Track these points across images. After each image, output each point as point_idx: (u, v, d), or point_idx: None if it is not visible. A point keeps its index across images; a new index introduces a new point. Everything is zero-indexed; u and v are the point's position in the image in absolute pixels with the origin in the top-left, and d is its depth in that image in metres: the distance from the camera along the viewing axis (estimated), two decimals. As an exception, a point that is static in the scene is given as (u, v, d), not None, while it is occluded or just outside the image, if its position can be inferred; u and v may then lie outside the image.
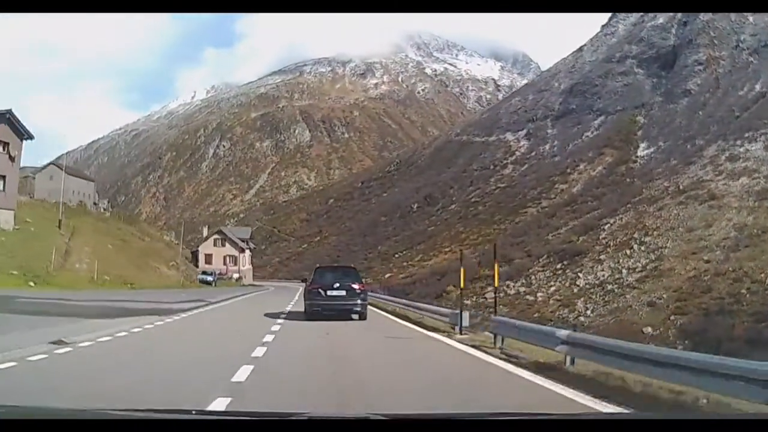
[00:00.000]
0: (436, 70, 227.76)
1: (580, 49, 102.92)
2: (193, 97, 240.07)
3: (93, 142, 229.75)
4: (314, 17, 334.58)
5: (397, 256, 72.34)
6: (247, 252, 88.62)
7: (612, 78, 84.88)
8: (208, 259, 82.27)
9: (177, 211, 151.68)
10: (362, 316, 19.11)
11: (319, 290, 18.85)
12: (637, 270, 38.02)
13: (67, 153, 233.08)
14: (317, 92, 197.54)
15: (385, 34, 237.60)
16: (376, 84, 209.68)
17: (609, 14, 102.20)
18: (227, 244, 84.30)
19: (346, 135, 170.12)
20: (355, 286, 19.10)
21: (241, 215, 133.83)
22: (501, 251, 53.15)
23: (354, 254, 79.17)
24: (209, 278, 63.30)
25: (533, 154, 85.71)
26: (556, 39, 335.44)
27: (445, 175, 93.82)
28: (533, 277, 42.15)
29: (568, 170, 71.75)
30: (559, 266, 42.83)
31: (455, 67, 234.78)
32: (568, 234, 49.84)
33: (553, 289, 38.65)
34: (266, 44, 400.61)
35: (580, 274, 39.30)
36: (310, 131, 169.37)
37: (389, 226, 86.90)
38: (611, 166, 67.41)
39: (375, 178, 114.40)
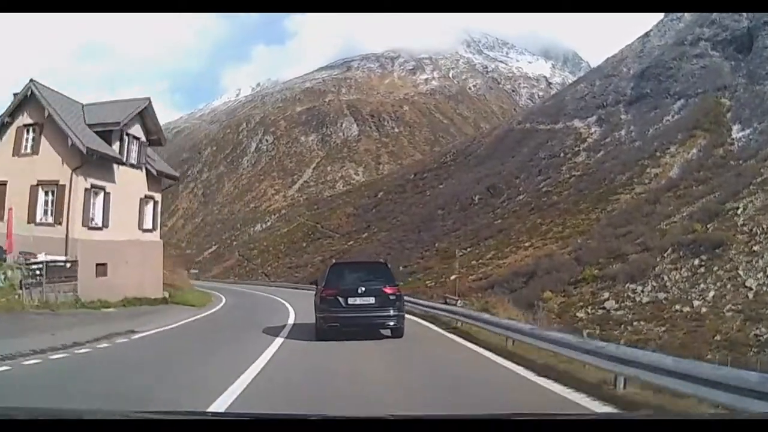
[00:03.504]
0: (487, 67, 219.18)
1: (647, 34, 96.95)
2: (237, 95, 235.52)
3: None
4: (365, 16, 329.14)
5: (461, 254, 62.00)
6: (138, 175, 30.65)
7: (687, 61, 78.42)
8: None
9: (216, 207, 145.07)
10: (398, 332, 14.78)
11: (337, 297, 14.28)
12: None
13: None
14: (365, 87, 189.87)
15: (435, 32, 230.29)
16: (426, 79, 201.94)
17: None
18: (46, 142, 26.09)
19: (396, 129, 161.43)
20: (388, 290, 14.56)
21: (283, 211, 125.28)
22: (605, 244, 42.07)
23: (408, 252, 69.28)
24: None
25: (608, 140, 78.16)
26: (606, 38, 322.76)
27: (508, 165, 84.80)
28: (665, 277, 30.96)
29: (658, 154, 64.08)
30: (696, 262, 31.80)
31: (506, 64, 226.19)
32: (689, 222, 39.78)
33: (712, 294, 27.27)
34: (317, 42, 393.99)
35: (740, 272, 28.21)
36: (357, 125, 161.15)
37: (448, 220, 76.76)
38: (707, 148, 60.58)
39: (429, 170, 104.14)
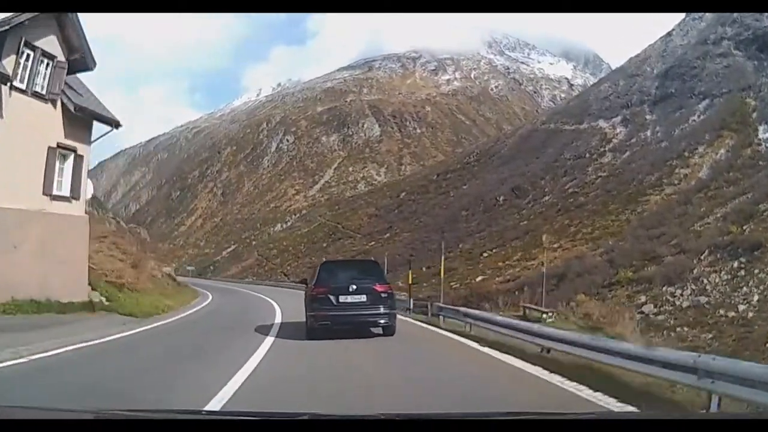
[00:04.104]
0: (509, 68, 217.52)
1: (669, 33, 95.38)
2: (258, 95, 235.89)
3: (153, 138, 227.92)
4: (386, 16, 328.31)
5: (485, 255, 60.76)
6: (46, 111, 19.18)
7: (711, 60, 77.10)
8: None
9: (235, 207, 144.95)
10: (389, 330, 14.64)
11: (328, 296, 14.21)
12: None
13: (124, 149, 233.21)
14: (387, 87, 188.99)
15: (457, 32, 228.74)
16: (448, 80, 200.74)
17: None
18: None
19: (418, 130, 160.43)
20: (379, 288, 14.47)
21: (304, 211, 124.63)
22: (638, 246, 40.51)
23: (431, 253, 67.69)
24: None
25: (633, 140, 76.72)
26: (626, 39, 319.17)
27: (533, 165, 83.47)
28: (704, 280, 29.46)
29: (686, 154, 62.71)
30: (735, 264, 30.32)
31: (527, 65, 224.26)
32: (723, 223, 38.28)
33: (756, 298, 25.74)
34: (338, 42, 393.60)
35: (787, 275, 26.81)
36: (379, 126, 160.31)
37: (472, 221, 75.55)
38: (735, 149, 59.30)
39: (452, 170, 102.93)
